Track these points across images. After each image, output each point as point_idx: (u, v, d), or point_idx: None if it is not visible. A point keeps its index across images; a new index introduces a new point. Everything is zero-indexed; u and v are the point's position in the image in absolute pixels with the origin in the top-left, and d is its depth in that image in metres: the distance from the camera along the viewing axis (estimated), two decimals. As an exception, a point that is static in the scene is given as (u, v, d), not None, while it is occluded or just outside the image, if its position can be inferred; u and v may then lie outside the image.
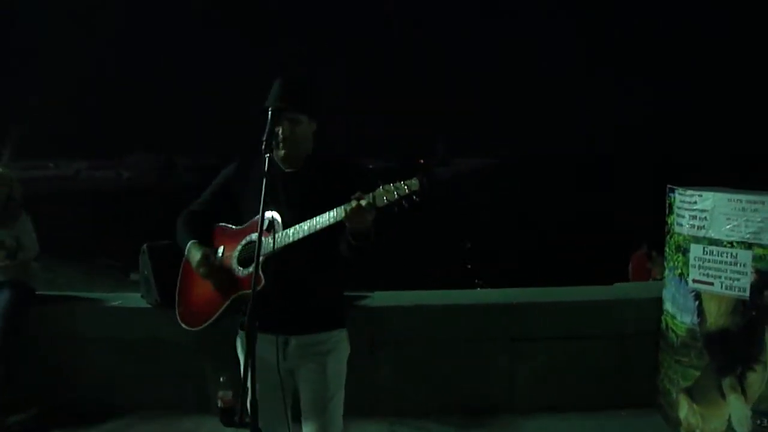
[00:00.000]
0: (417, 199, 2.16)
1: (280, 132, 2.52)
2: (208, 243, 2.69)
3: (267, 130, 2.40)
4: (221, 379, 4.15)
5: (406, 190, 2.14)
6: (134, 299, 4.53)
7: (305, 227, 2.38)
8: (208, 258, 2.58)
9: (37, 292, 4.46)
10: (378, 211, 2.23)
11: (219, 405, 4.16)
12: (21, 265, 4.26)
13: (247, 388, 2.12)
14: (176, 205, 3.08)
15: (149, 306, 4.34)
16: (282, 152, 2.55)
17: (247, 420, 2.11)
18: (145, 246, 4.34)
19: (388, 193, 2.17)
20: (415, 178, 2.14)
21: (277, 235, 2.42)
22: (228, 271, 2.60)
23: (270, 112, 2.43)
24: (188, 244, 2.68)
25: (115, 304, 4.50)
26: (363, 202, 2.20)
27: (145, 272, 4.30)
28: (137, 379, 4.40)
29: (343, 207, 2.25)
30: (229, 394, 4.14)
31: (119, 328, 4.43)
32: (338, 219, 2.29)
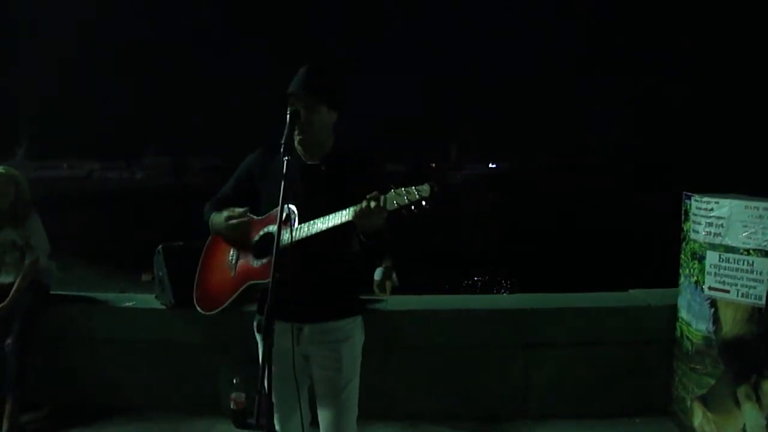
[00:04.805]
0: (427, 206, 2.16)
1: (299, 117, 2.55)
2: None
3: (286, 133, 2.42)
4: (234, 381, 4.15)
5: (417, 196, 2.14)
6: (147, 300, 4.55)
7: (318, 224, 2.40)
8: (233, 211, 2.64)
9: (51, 292, 4.50)
10: (388, 214, 2.24)
11: (231, 407, 4.16)
12: (32, 265, 4.28)
13: (264, 387, 2.11)
14: (189, 207, 3.10)
15: (162, 307, 4.36)
16: (299, 138, 2.57)
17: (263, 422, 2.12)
18: (160, 247, 4.36)
19: (398, 197, 2.17)
20: (426, 184, 2.13)
21: (292, 229, 2.43)
22: (252, 224, 2.64)
23: (289, 113, 2.46)
24: (211, 216, 2.74)
25: (129, 305, 4.51)
26: (372, 204, 2.20)
27: (160, 273, 4.32)
28: (150, 379, 4.43)
29: (353, 207, 2.26)
30: (242, 395, 4.14)
31: (132, 328, 4.45)
32: (350, 218, 2.30)
